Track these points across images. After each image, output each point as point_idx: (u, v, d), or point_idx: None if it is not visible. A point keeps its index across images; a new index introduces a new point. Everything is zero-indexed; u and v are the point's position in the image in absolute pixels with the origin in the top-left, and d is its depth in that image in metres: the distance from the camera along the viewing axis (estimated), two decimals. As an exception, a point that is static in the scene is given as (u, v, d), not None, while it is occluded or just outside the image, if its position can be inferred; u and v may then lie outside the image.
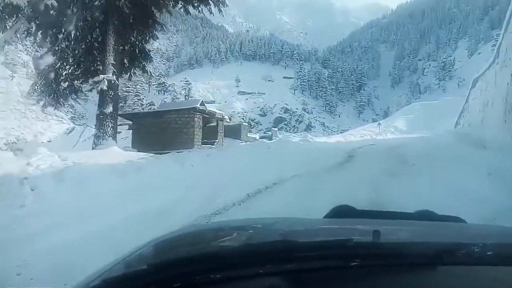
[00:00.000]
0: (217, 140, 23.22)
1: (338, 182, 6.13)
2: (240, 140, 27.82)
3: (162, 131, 19.92)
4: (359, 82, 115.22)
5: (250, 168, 7.52)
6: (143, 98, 68.19)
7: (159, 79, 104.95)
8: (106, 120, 10.98)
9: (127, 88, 58.54)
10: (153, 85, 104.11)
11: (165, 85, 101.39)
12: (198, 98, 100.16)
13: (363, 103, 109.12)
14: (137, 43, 13.04)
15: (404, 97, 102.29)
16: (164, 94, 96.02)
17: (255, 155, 9.02)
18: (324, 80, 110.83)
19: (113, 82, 10.87)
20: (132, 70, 13.26)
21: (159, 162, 7.47)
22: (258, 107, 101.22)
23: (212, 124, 24.33)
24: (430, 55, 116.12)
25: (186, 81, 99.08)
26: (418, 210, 1.06)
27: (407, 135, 26.28)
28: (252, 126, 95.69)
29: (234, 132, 29.27)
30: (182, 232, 0.80)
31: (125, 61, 12.62)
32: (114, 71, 10.97)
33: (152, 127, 20.27)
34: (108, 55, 10.93)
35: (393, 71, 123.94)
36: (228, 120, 31.21)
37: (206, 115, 22.26)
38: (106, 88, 10.71)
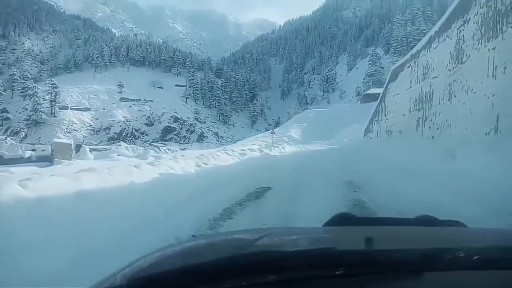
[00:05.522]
0: None
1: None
2: None
3: None
4: (252, 92, 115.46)
5: None
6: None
7: (24, 82, 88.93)
8: None
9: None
10: (17, 89, 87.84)
11: (25, 89, 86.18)
12: (66, 104, 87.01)
13: (256, 113, 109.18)
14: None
15: (293, 107, 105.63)
16: (30, 99, 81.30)
17: None
18: (218, 89, 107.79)
19: None
20: None
21: None
22: (144, 115, 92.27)
23: None
24: (315, 69, 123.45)
25: (51, 84, 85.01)
26: (418, 216, 1.04)
27: (307, 146, 23.03)
28: (136, 137, 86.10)
29: None
30: (172, 247, 0.78)
31: None
32: None
33: None
34: None
35: (283, 83, 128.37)
36: None
37: None
38: None
